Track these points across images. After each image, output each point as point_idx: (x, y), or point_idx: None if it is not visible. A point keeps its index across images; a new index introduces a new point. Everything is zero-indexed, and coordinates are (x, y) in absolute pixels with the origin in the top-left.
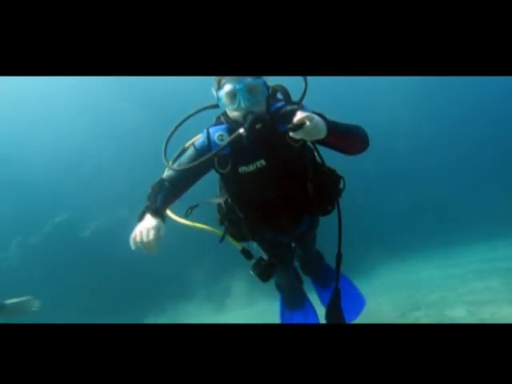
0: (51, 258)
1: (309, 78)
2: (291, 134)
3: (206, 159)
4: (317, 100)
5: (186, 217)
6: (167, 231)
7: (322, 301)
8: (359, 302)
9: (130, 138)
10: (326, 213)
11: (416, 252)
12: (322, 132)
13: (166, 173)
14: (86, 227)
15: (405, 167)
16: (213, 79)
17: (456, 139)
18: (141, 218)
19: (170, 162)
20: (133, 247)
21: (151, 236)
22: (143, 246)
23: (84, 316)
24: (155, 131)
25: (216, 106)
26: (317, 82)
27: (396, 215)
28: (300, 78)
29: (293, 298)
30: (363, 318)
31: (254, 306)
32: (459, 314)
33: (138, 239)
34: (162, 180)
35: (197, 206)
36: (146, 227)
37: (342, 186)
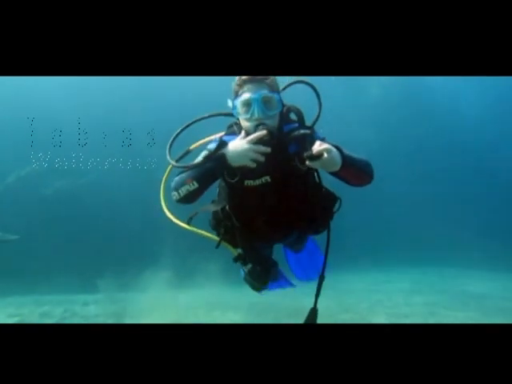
0: (11, 209)
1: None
2: (307, 162)
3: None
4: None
5: (188, 223)
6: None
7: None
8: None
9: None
10: (317, 233)
11: (356, 265)
12: (337, 166)
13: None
14: (50, 185)
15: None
16: (232, 88)
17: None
18: (219, 163)
19: (174, 161)
20: (250, 165)
21: (255, 136)
22: (256, 150)
23: (40, 269)
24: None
25: (229, 115)
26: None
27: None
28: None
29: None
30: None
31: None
32: (379, 320)
33: (253, 151)
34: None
35: (196, 214)
36: (244, 142)
37: (336, 208)
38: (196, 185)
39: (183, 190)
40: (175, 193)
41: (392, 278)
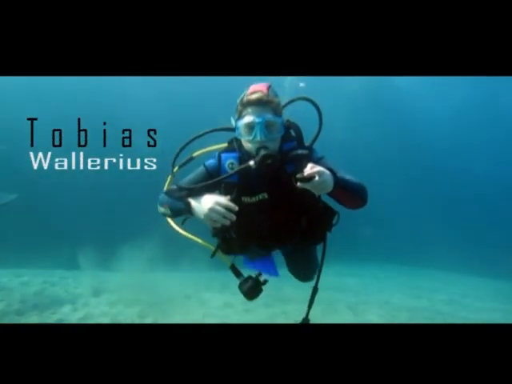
0: None
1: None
2: (298, 184)
3: (214, 183)
4: None
5: (182, 225)
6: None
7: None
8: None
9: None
10: (314, 244)
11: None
12: (329, 188)
13: (175, 188)
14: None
15: None
16: (236, 107)
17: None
18: (186, 208)
19: (176, 168)
20: (212, 224)
21: (225, 202)
22: (224, 216)
23: (17, 243)
24: None
25: (231, 130)
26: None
27: None
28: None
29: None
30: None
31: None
32: (341, 309)
33: (215, 213)
34: (175, 190)
35: (187, 219)
36: (212, 201)
37: (335, 221)
38: (169, 212)
39: (161, 210)
40: (158, 207)
41: (354, 271)
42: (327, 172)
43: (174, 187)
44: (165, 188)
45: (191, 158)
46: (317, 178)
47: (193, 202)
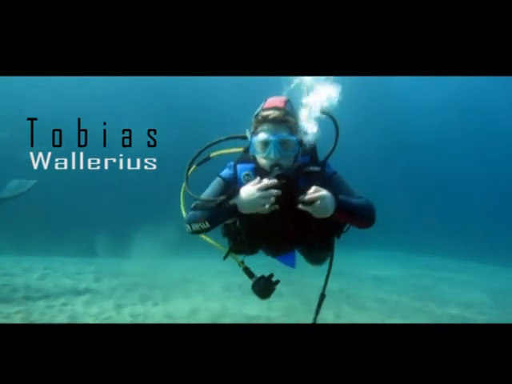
0: None
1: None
2: (300, 206)
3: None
4: None
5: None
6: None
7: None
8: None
9: None
10: (321, 250)
11: None
12: (328, 213)
13: (201, 201)
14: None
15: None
16: (251, 121)
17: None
18: (232, 208)
19: (194, 167)
20: (261, 210)
21: (263, 184)
22: (269, 196)
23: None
24: None
25: (245, 138)
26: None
27: None
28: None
29: None
30: None
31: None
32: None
33: (262, 198)
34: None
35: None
36: (253, 189)
37: (345, 228)
38: (208, 225)
39: (195, 227)
40: (188, 226)
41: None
42: (329, 196)
43: (198, 202)
44: (181, 199)
45: (208, 158)
46: (318, 202)
47: (235, 201)
